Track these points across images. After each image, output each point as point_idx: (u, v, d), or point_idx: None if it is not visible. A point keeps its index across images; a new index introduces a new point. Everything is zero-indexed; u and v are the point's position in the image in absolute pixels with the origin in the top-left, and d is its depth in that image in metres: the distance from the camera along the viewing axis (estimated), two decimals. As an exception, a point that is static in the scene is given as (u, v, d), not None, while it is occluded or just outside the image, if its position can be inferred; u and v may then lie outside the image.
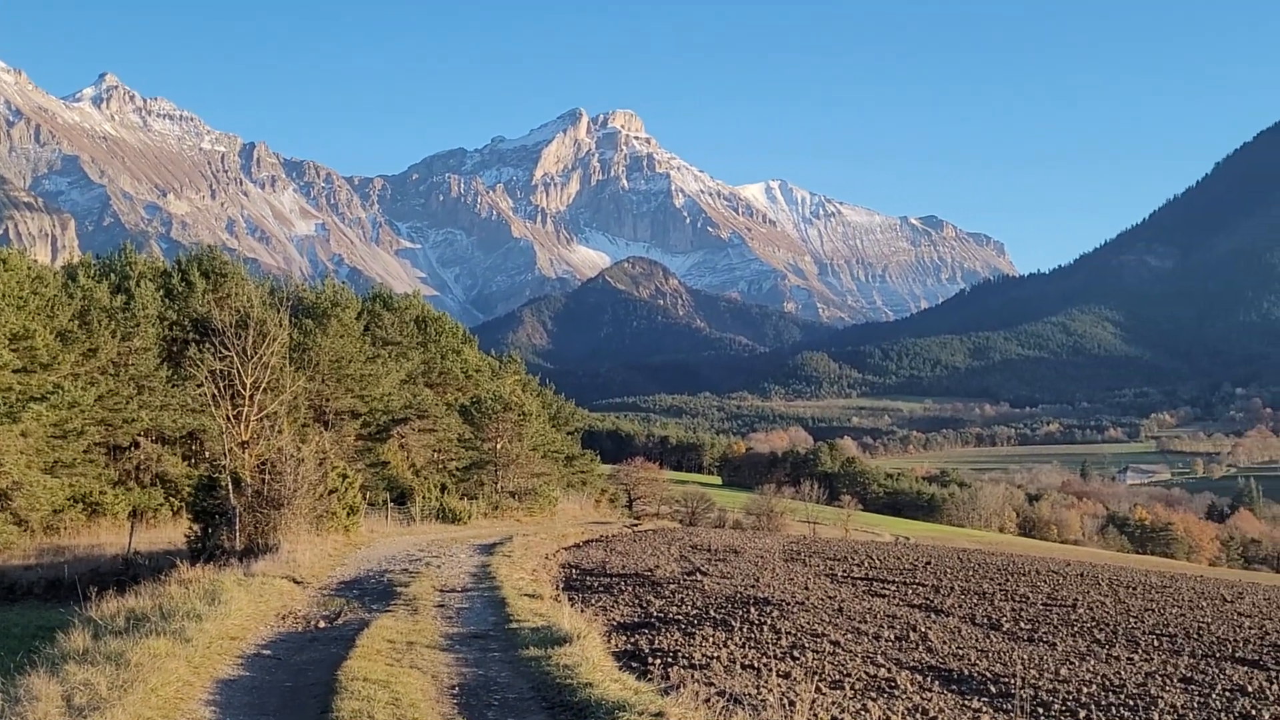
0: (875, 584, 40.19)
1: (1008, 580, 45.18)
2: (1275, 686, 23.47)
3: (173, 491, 56.00)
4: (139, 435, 56.93)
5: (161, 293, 62.77)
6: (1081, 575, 52.08)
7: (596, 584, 34.97)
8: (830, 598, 33.65)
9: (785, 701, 16.61)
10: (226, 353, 41.28)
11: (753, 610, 28.59)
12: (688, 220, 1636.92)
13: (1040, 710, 19.45)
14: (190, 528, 40.52)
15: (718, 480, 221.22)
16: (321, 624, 24.61)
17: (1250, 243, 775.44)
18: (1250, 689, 22.92)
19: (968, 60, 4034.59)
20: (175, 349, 60.33)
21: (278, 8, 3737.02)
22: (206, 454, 57.78)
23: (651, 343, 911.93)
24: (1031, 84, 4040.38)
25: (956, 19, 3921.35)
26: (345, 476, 46.06)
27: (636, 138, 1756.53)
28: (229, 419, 40.95)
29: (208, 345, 43.83)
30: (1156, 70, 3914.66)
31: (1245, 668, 26.09)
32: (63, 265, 70.17)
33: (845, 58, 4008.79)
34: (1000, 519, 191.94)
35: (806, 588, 36.20)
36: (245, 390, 41.11)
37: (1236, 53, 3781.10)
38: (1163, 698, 21.07)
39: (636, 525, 79.43)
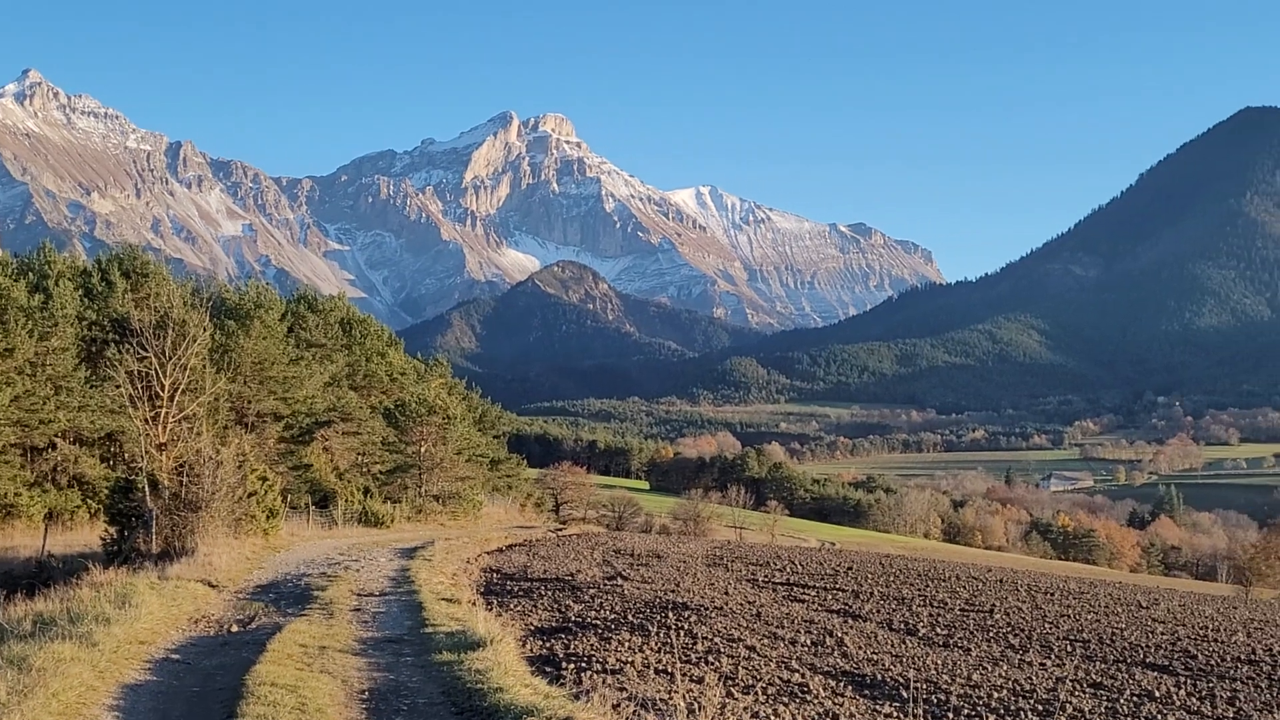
0: (796, 589, 40.28)
1: (927, 586, 45.46)
2: (1182, 691, 23.76)
3: (90, 493, 55.35)
4: (56, 436, 56.27)
5: (81, 292, 62.11)
6: (1001, 581, 52.49)
7: (517, 588, 34.85)
8: (749, 603, 33.70)
9: (695, 706, 16.61)
10: (145, 354, 40.82)
11: (671, 615, 28.58)
12: (618, 225, 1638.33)
13: (950, 715, 19.59)
14: (106, 530, 40.06)
15: (645, 485, 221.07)
16: (234, 628, 24.40)
17: (1173, 253, 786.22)
18: (1158, 694, 23.18)
19: (897, 69, 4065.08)
20: (94, 349, 59.61)
21: (206, 6, 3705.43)
22: (125, 456, 57.14)
23: (581, 347, 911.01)
24: (958, 94, 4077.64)
25: (886, 26, 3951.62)
26: (265, 479, 45.73)
27: (567, 141, 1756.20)
28: (147, 421, 40.52)
29: (127, 346, 43.26)
30: (1081, 82, 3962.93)
31: (1154, 673, 26.37)
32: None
33: (776, 63, 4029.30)
34: (925, 525, 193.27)
35: (726, 593, 36.24)
36: (164, 392, 40.69)
37: (1160, 64, 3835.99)
38: (1071, 702, 21.28)
39: (561, 530, 79.25)
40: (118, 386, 42.66)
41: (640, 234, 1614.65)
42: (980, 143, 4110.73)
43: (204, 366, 45.62)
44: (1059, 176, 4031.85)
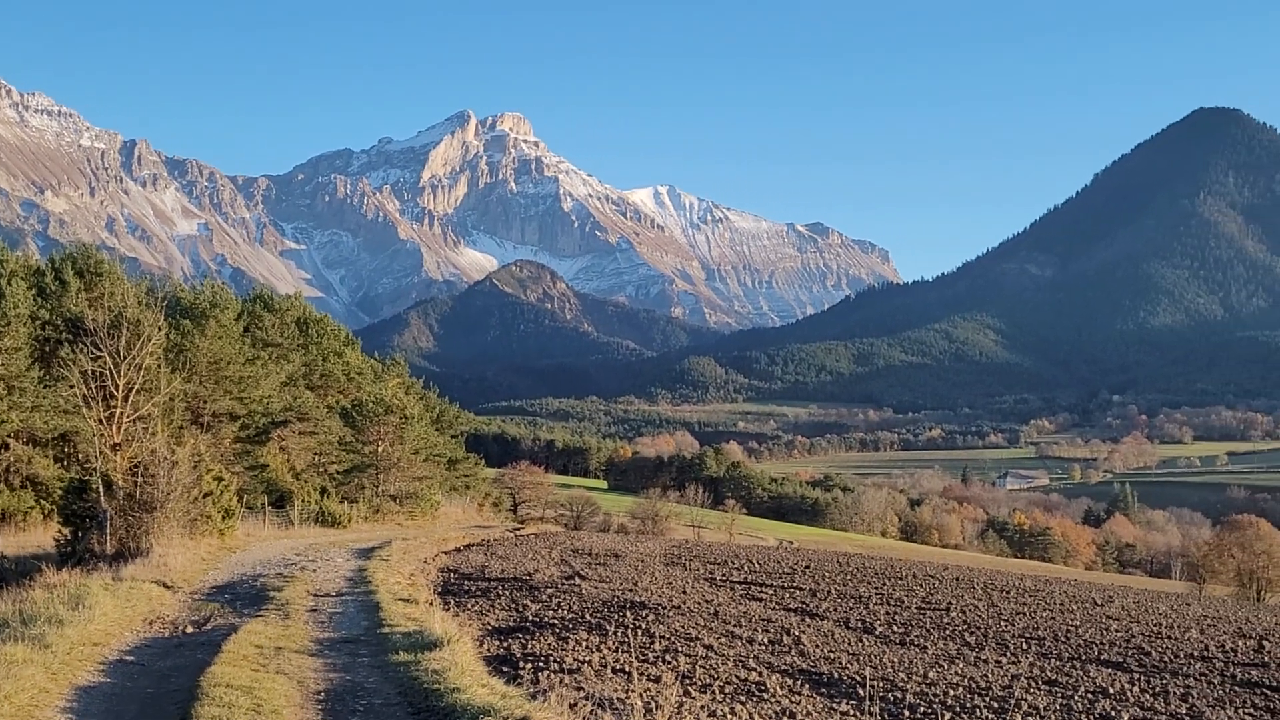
0: (753, 588, 40.38)
1: (884, 584, 45.65)
2: (1136, 688, 23.93)
3: (44, 494, 54.83)
4: (9, 437, 55.73)
5: (34, 292, 61.47)
6: (957, 579, 52.78)
7: (474, 588, 34.78)
8: (707, 601, 33.75)
9: (653, 705, 16.62)
10: (100, 353, 40.53)
11: (628, 614, 28.59)
12: (576, 224, 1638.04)
13: (906, 713, 19.66)
14: (60, 531, 39.75)
15: (604, 484, 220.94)
16: (189, 629, 24.26)
17: (1127, 253, 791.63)
18: (1112, 691, 23.34)
19: (854, 66, 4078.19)
20: (48, 349, 59.07)
21: (162, 5, 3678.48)
22: (79, 456, 56.68)
23: (539, 346, 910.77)
24: (914, 94, 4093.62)
25: (843, 24, 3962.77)
26: (221, 480, 45.46)
27: (525, 141, 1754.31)
28: (101, 421, 40.23)
29: (81, 345, 42.91)
30: (1036, 82, 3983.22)
31: (1109, 670, 26.57)
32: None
33: (734, 62, 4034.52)
34: (883, 523, 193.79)
35: (684, 592, 36.28)
36: (119, 392, 40.40)
37: (1115, 65, 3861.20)
38: (1026, 700, 21.40)
39: (519, 529, 79.22)
40: (71, 386, 42.34)
41: (598, 233, 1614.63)
42: (936, 142, 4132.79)
43: (159, 366, 45.39)
44: (1015, 177, 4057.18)
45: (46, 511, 52.50)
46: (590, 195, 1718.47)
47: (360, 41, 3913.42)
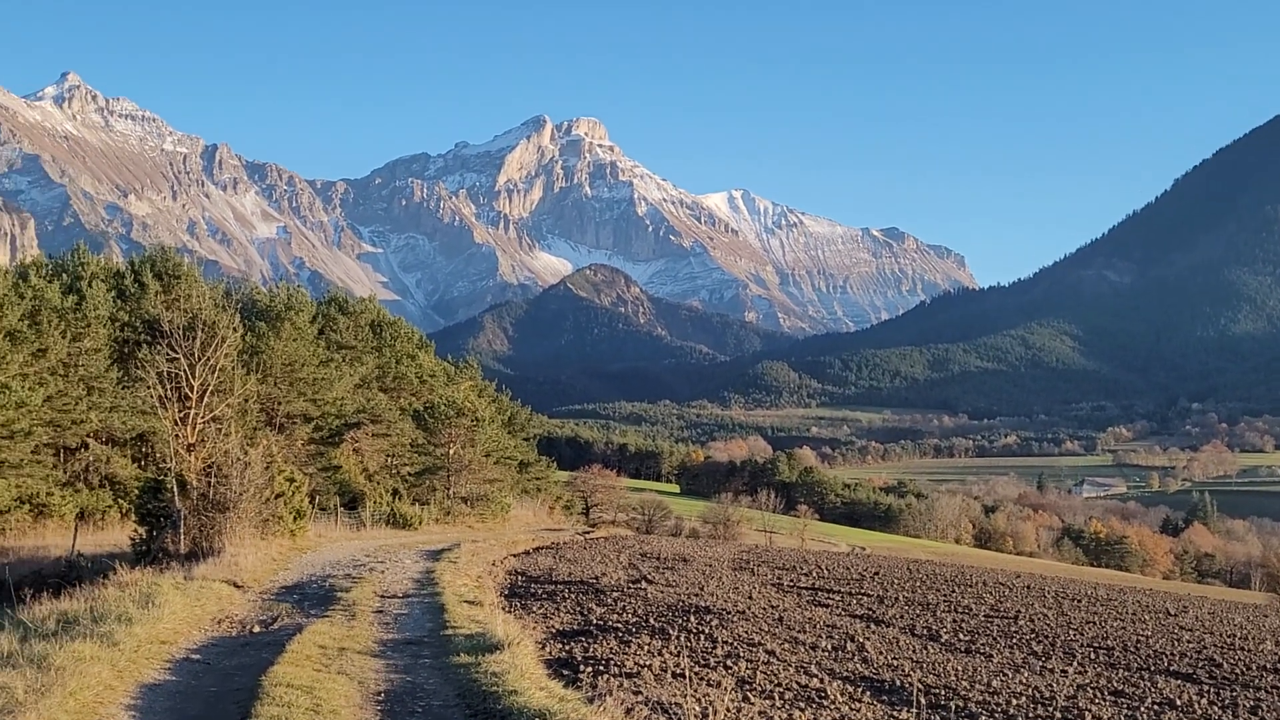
0: (820, 594, 40.19)
1: (954, 592, 45.28)
2: (1204, 700, 23.63)
3: (121, 493, 55.58)
4: (88, 436, 56.57)
5: (114, 294, 62.38)
6: (1029, 587, 52.27)
7: (540, 591, 34.86)
8: (773, 607, 33.64)
9: (709, 710, 16.63)
10: (176, 355, 41.05)
11: (692, 619, 28.55)
12: (650, 228, 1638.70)
13: (966, 721, 19.56)
14: (136, 530, 40.27)
15: (676, 488, 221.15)
16: (257, 629, 24.51)
17: (1208, 259, 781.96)
18: (1179, 702, 23.07)
19: (931, 71, 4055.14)
20: (126, 350, 59.92)
21: (242, 8, 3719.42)
22: (155, 456, 57.41)
23: (612, 350, 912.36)
24: (994, 97, 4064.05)
25: (920, 30, 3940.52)
26: (293, 480, 45.88)
27: (600, 145, 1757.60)
28: (177, 421, 40.73)
29: (158, 347, 43.48)
30: (1116, 86, 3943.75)
31: (1178, 681, 26.23)
32: (16, 265, 69.53)
33: (809, 67, 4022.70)
34: (956, 530, 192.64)
35: (750, 597, 36.18)
36: (193, 393, 40.90)
37: (1196, 70, 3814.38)
38: (1091, 710, 21.20)
39: (589, 533, 79.29)
40: (149, 387, 42.87)
41: (672, 238, 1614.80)
42: (1013, 148, 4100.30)
43: (234, 368, 45.93)
44: (1093, 182, 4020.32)
45: (124, 511, 53.22)
46: (664, 200, 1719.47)
47: (438, 45, 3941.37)
